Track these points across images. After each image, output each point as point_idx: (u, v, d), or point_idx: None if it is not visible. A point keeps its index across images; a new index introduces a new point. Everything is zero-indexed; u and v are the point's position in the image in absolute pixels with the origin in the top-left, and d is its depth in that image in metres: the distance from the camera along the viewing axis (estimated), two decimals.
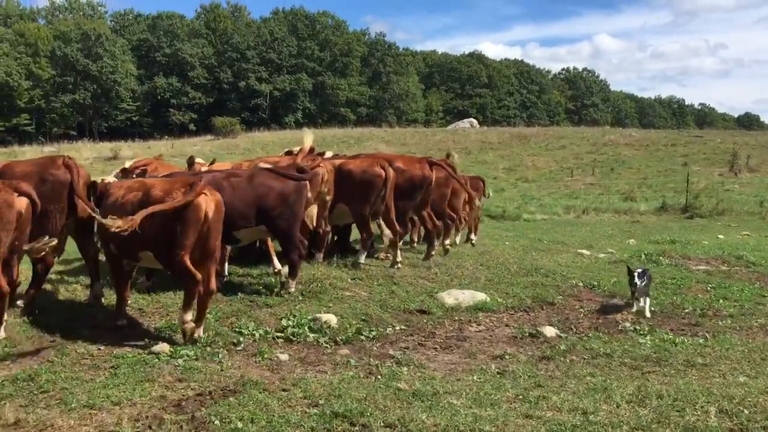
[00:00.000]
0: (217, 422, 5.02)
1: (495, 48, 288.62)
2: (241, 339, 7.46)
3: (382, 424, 4.84)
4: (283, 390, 5.80)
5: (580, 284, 10.92)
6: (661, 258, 12.80)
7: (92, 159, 44.67)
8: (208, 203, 7.05)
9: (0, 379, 6.13)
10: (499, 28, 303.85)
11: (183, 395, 5.74)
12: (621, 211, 22.66)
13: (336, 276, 10.28)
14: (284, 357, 6.97)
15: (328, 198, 11.13)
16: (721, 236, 16.76)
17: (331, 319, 8.08)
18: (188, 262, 6.94)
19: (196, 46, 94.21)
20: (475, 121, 76.55)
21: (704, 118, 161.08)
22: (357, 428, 4.82)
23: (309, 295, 9.35)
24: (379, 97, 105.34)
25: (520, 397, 5.42)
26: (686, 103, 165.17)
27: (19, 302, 8.23)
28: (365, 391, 5.64)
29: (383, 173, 10.70)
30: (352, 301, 9.30)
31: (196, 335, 7.16)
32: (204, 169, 11.40)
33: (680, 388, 5.54)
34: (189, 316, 7.11)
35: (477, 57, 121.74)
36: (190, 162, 12.49)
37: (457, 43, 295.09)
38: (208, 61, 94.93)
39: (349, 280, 10.20)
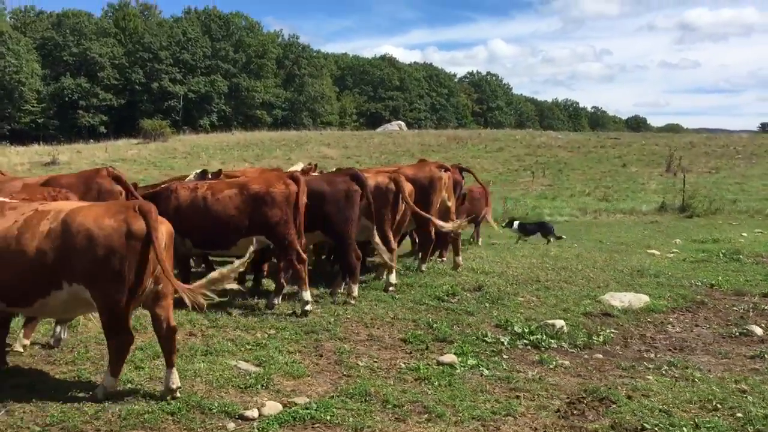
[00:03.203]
0: (649, 427, 5.25)
1: (396, 51, 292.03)
2: (501, 347, 7.66)
3: None
4: (644, 396, 6.09)
5: (699, 283, 11.59)
6: (740, 257, 13.74)
7: (29, 164, 42.18)
8: None
9: (331, 393, 6.14)
10: (398, 32, 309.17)
11: (553, 404, 5.92)
12: (627, 212, 23.91)
13: (494, 282, 10.60)
14: (565, 362, 7.22)
15: (450, 203, 11.72)
16: (744, 234, 18.03)
17: (563, 324, 8.36)
18: None
19: (106, 46, 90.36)
20: (403, 124, 77.44)
21: (597, 120, 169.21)
22: None
23: (492, 301, 9.63)
24: (294, 99, 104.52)
25: None
26: (580, 106, 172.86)
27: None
28: (729, 395, 6.02)
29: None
30: (533, 305, 9.66)
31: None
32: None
33: None
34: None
35: (388, 60, 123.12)
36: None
37: (357, 46, 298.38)
38: (119, 61, 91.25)
39: (510, 286, 10.52)
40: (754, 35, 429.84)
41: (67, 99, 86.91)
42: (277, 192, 8.77)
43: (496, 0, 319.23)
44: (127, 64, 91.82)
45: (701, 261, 13.59)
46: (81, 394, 6.02)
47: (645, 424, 5.32)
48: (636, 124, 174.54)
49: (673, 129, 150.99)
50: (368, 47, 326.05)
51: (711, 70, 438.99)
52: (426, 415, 5.74)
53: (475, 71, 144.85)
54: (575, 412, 5.70)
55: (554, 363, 7.14)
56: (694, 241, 16.60)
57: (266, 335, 7.87)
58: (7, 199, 6.54)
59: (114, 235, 5.70)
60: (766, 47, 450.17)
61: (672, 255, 14.55)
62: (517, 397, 6.11)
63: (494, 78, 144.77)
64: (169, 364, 6.03)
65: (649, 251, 14.83)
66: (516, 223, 16.28)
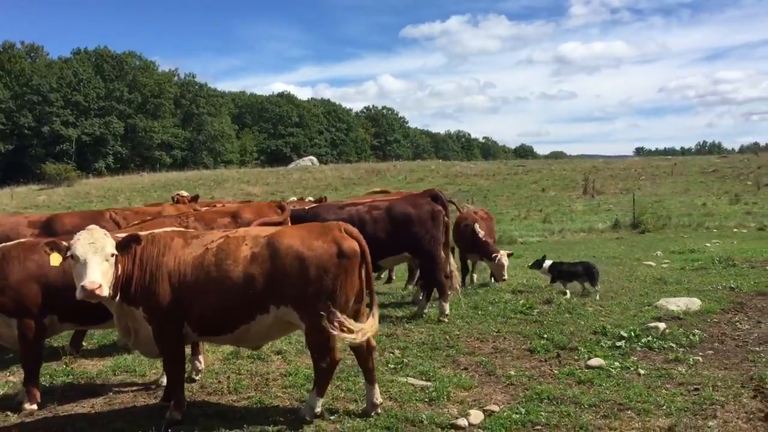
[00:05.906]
0: None
1: (288, 88, 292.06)
2: (624, 350, 8.05)
3: None
4: None
5: (719, 287, 12.44)
6: (736, 262, 14.82)
7: None
8: None
9: (516, 400, 6.34)
10: (288, 69, 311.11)
11: (740, 392, 6.33)
12: (586, 230, 25.06)
13: (556, 295, 11.02)
14: (698, 359, 7.68)
15: None
16: (708, 244, 19.38)
17: (664, 327, 8.85)
18: None
19: None
20: (314, 159, 77.55)
21: (488, 150, 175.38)
22: None
23: (568, 312, 10.09)
24: (193, 138, 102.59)
25: None
26: (472, 137, 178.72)
27: None
28: None
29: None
30: (605, 314, 10.15)
31: None
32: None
33: None
34: None
35: (286, 97, 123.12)
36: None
37: (247, 84, 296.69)
38: (5, 104, 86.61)
39: (573, 301, 10.97)
40: (623, 67, 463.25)
41: None
42: None
43: (382, 37, 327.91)
44: (15, 107, 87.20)
45: (701, 269, 14.53)
46: (281, 419, 5.94)
47: None
48: (524, 152, 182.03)
49: (558, 156, 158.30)
50: (259, 85, 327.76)
51: (586, 99, 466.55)
52: (629, 411, 6.02)
53: (371, 106, 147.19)
54: None
55: (691, 360, 7.59)
56: (672, 252, 17.68)
57: (398, 354, 7.92)
58: (182, 229, 6.37)
59: (325, 256, 5.72)
60: (634, 77, 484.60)
61: (666, 265, 15.46)
62: (697, 389, 6.50)
63: (390, 112, 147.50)
64: (371, 381, 6.06)
65: (645, 263, 15.69)
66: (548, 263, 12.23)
